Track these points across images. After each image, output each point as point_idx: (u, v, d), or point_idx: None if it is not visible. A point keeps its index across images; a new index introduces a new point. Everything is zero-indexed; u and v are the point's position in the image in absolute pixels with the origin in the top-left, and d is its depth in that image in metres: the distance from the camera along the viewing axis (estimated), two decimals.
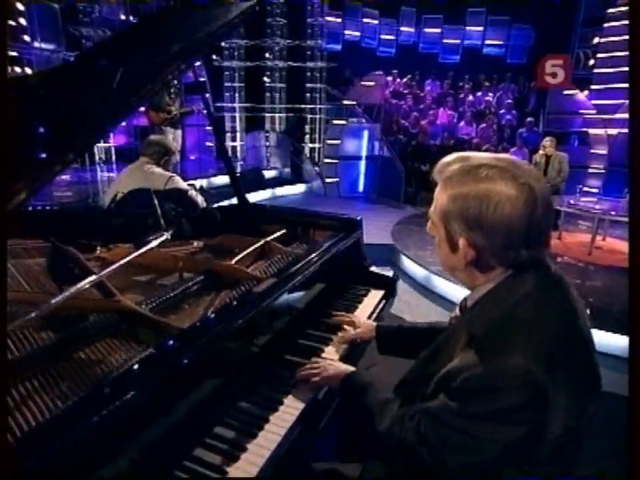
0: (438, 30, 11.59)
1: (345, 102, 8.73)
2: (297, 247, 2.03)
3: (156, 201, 2.16)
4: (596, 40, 9.61)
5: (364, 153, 8.80)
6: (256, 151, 9.80)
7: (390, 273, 2.13)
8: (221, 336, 1.20)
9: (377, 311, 1.90)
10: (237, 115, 10.30)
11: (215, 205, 2.67)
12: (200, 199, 2.77)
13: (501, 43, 11.45)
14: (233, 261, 1.70)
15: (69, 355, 1.14)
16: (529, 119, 9.09)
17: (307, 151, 10.12)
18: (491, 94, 10.29)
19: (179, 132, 7.22)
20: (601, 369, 0.92)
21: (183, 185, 2.81)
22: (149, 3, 10.16)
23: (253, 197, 7.53)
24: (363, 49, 11.19)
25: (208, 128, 10.30)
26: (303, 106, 10.01)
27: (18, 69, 8.50)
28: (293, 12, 9.73)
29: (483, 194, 0.88)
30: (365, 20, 11.08)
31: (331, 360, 1.38)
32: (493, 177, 0.88)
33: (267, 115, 10.23)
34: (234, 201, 6.77)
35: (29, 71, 8.60)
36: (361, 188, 8.93)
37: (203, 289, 1.61)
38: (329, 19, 10.11)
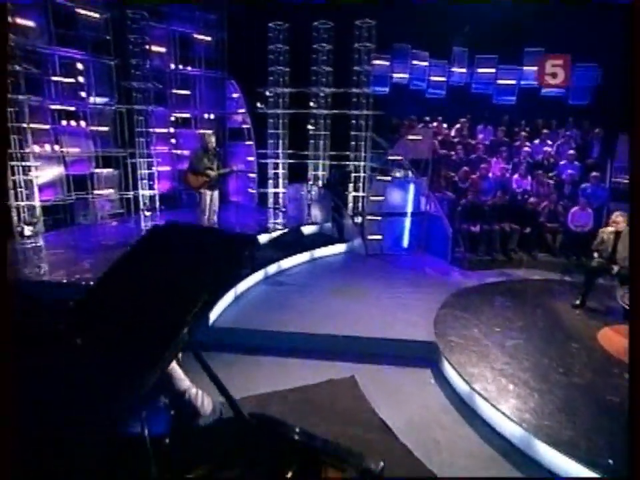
0: (492, 70, 10.94)
1: (391, 157, 8.31)
2: None
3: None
4: None
5: (409, 209, 8.36)
6: (297, 203, 9.60)
7: None
8: None
9: None
10: (280, 162, 10.17)
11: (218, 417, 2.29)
12: (199, 400, 2.34)
13: None
14: None
15: None
16: (593, 174, 8.27)
17: (350, 199, 9.85)
18: (550, 142, 9.51)
19: (216, 193, 7.10)
20: None
21: (182, 381, 2.35)
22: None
23: (291, 261, 7.28)
24: (411, 92, 10.75)
25: (251, 175, 10.30)
26: (347, 153, 9.75)
27: (73, 122, 8.81)
28: (339, 59, 9.50)
29: None
30: (414, 62, 10.65)
31: None
32: None
33: (311, 162, 10.01)
34: (270, 269, 6.35)
35: (83, 124, 8.91)
36: (405, 244, 8.46)
37: None
38: (376, 62, 9.79)
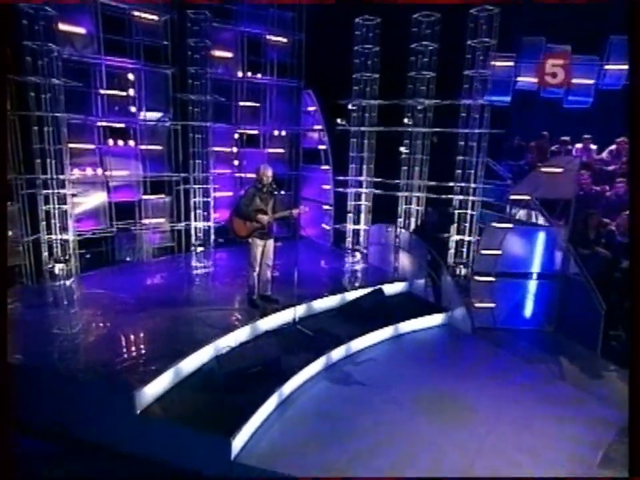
0: None
1: (514, 197, 6.56)
2: None
3: None
4: None
5: (536, 268, 6.59)
6: (381, 249, 8.13)
7: None
8: None
9: None
10: (364, 192, 8.93)
11: None
12: None
13: None
14: None
15: None
16: None
17: (451, 245, 8.22)
18: None
19: (271, 242, 5.92)
20: None
21: None
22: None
23: (366, 340, 5.82)
24: (543, 101, 8.77)
25: (327, 207, 9.18)
26: (450, 184, 8.21)
27: (121, 142, 8.25)
28: (445, 62, 8.07)
29: None
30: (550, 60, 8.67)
31: None
32: None
33: (402, 195, 8.61)
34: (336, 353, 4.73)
35: (132, 143, 8.31)
36: (527, 315, 6.68)
37: None
38: (496, 63, 8.07)
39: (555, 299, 6.53)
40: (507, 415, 4.51)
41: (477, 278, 6.63)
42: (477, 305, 6.57)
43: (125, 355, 4.72)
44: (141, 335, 5.28)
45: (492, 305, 6.54)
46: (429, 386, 5.02)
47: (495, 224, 6.56)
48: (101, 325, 5.50)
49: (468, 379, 5.20)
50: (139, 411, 4.01)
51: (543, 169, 6.31)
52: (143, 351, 4.83)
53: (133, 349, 4.90)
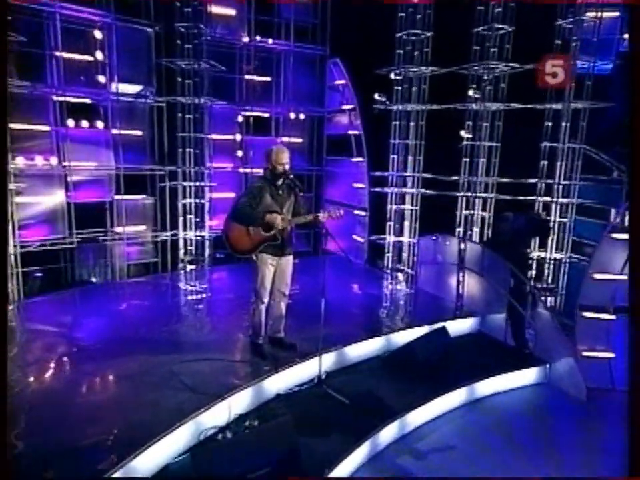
0: None
1: None
2: None
3: None
4: None
5: None
6: (437, 270, 6.68)
7: None
8: None
9: None
10: (410, 191, 7.97)
11: None
12: None
13: None
14: None
15: None
16: None
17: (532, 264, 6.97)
18: None
19: (288, 261, 4.59)
20: None
21: None
22: None
23: (426, 412, 4.35)
24: None
25: (360, 213, 8.58)
26: (532, 181, 6.99)
27: (85, 123, 7.37)
28: (525, 13, 6.84)
29: None
30: None
31: None
32: None
33: (462, 196, 7.44)
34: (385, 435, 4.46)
35: (100, 125, 7.57)
36: None
37: None
38: (599, 14, 6.91)
39: None
40: None
41: (584, 314, 5.23)
42: (586, 353, 5.16)
43: (43, 446, 3.23)
44: (83, 406, 3.84)
45: (610, 354, 5.18)
46: None
47: (615, 234, 5.07)
48: (27, 385, 4.09)
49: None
50: None
51: None
52: (76, 437, 3.35)
53: (62, 433, 3.42)
